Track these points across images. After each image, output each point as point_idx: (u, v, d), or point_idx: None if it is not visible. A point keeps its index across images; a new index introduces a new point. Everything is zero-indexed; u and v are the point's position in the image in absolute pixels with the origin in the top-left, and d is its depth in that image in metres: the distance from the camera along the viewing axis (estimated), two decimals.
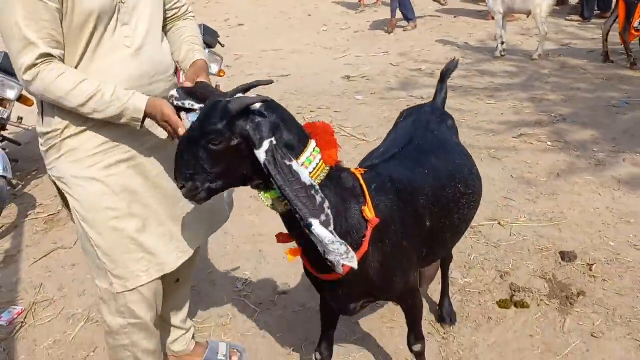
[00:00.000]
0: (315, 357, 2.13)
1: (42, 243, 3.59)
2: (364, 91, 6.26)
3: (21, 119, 4.32)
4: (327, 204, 1.54)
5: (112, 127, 1.76)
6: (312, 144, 1.61)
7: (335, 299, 1.89)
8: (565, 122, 5.00)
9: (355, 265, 1.55)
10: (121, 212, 1.81)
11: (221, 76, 3.91)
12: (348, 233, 1.67)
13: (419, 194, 1.90)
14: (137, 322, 1.92)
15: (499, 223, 3.46)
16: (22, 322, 2.84)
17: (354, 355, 2.51)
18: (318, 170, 1.59)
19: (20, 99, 4.04)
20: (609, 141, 4.52)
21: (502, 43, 7.22)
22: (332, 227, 1.53)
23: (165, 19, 1.98)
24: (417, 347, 2.11)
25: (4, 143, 4.54)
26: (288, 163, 1.51)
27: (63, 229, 3.72)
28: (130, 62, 1.76)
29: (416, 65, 7.29)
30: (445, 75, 2.60)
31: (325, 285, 1.83)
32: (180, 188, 1.62)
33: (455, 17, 9.95)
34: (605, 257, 3.06)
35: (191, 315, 2.54)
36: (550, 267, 3.00)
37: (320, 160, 1.60)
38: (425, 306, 2.63)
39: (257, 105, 1.52)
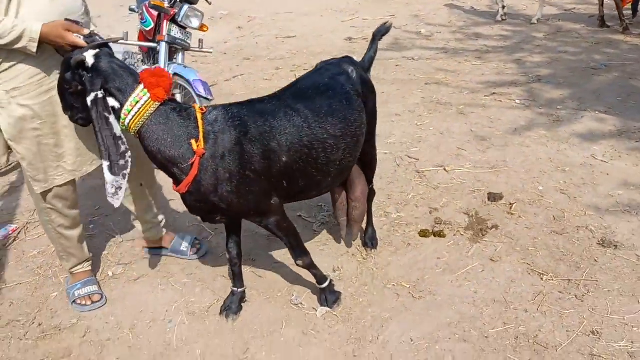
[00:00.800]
0: (227, 253, 2.55)
1: None
2: (361, 52, 6.53)
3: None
4: (129, 153, 2.09)
5: (39, 62, 2.21)
6: (140, 87, 2.05)
7: (191, 209, 2.29)
8: (540, 82, 5.21)
9: (116, 205, 2.11)
10: (44, 132, 2.33)
11: (204, 31, 4.27)
12: (174, 160, 2.09)
13: (271, 132, 2.17)
14: (52, 208, 2.54)
15: (444, 169, 3.78)
16: (15, 238, 3.36)
17: (285, 270, 2.92)
18: (146, 106, 2.05)
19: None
20: (575, 100, 4.73)
21: (503, 7, 7.35)
22: (127, 172, 2.09)
23: None
24: (299, 262, 2.47)
25: None
26: (107, 115, 2.03)
27: None
28: (48, 7, 2.19)
29: (417, 28, 7.50)
30: (375, 36, 2.83)
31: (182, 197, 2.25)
32: (69, 117, 2.21)
33: None
34: (529, 198, 3.36)
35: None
36: (476, 206, 3.33)
37: (148, 98, 2.05)
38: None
39: (90, 61, 2.01)
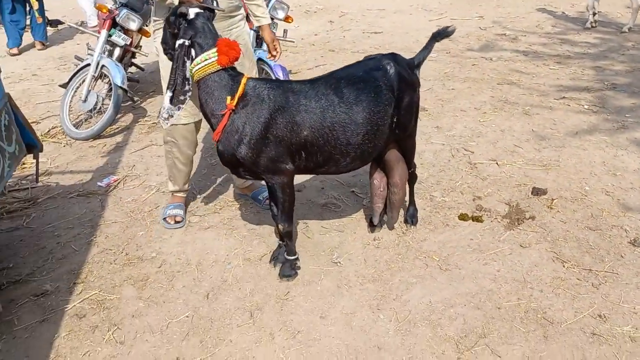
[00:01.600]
0: (271, 211, 2.97)
1: (142, 140, 4.78)
2: (442, 49, 6.77)
3: (140, 47, 5.52)
4: (189, 93, 2.60)
5: None
6: (214, 49, 2.55)
7: (222, 160, 2.73)
8: (615, 90, 5.22)
9: (165, 126, 2.76)
10: None
11: (289, 22, 4.74)
12: (213, 111, 2.59)
13: (298, 108, 2.56)
14: (175, 142, 3.31)
15: (496, 163, 4.01)
16: (115, 186, 4.01)
17: (331, 235, 3.31)
18: (210, 65, 2.55)
19: (140, 30, 5.20)
20: None
21: (594, 14, 7.25)
22: (182, 106, 2.61)
23: None
24: (281, 226, 2.82)
25: (131, 67, 5.83)
26: (185, 59, 2.57)
27: (158, 132, 4.87)
28: None
29: (503, 30, 7.58)
30: (435, 36, 3.02)
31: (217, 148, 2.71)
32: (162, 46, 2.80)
33: None
34: (572, 196, 3.53)
35: None
36: (519, 198, 3.54)
37: (214, 60, 2.54)
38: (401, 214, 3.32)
39: (191, 15, 2.55)
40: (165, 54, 2.79)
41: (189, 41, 2.55)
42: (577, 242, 3.08)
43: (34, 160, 3.35)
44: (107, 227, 3.47)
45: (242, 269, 3.01)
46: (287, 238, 2.88)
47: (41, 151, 3.28)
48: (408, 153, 3.07)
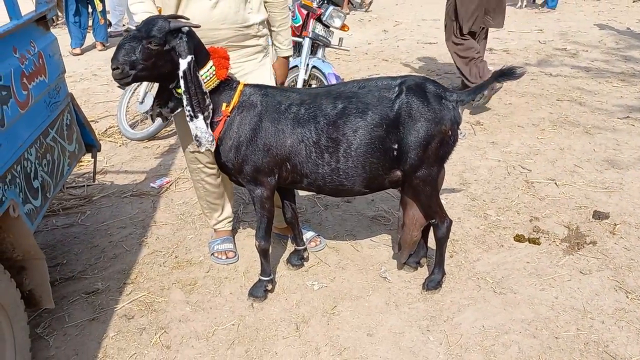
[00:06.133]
0: (283, 215, 2.97)
1: None
2: (498, 63, 6.60)
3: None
4: (211, 106, 2.44)
5: None
6: (210, 63, 2.45)
7: (219, 165, 2.68)
8: None
9: (212, 147, 2.47)
10: None
11: (345, 30, 4.71)
12: (209, 117, 2.46)
13: (287, 115, 2.49)
14: (202, 165, 3.00)
15: (555, 183, 3.85)
16: (167, 188, 4.05)
17: (379, 249, 3.24)
18: (211, 81, 2.46)
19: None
20: None
21: None
22: (209, 120, 2.44)
23: None
24: (256, 243, 2.74)
25: None
26: (198, 75, 2.37)
27: None
28: (208, 12, 2.62)
29: (563, 45, 7.34)
30: (497, 75, 2.51)
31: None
32: (114, 69, 2.29)
33: (634, 1, 9.46)
34: (636, 222, 3.34)
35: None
36: (579, 221, 3.39)
37: (214, 74, 2.45)
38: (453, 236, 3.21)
39: (185, 30, 2.35)
40: (124, 78, 2.32)
41: (192, 56, 2.35)
42: None
43: (92, 159, 3.42)
44: (158, 229, 3.51)
45: (289, 279, 2.98)
46: (262, 256, 2.80)
47: (99, 151, 3.34)
48: (419, 197, 2.62)
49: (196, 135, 2.45)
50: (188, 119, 2.42)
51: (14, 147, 2.31)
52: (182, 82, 2.35)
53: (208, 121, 2.44)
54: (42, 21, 2.79)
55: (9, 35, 2.41)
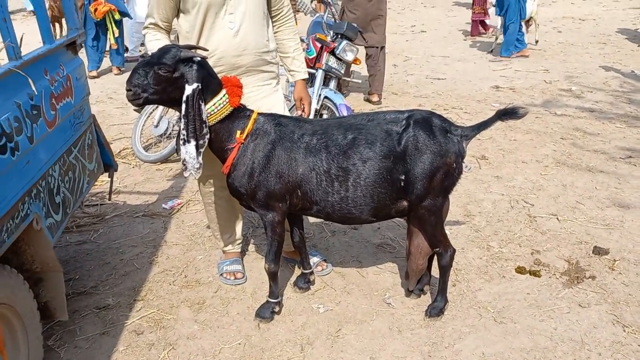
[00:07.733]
0: (292, 239, 3.07)
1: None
2: (504, 101, 6.76)
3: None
4: (207, 136, 2.51)
5: None
6: (223, 91, 2.57)
7: (230, 190, 2.76)
8: None
9: (197, 174, 2.53)
10: None
11: (356, 64, 4.89)
12: (224, 144, 2.61)
13: (300, 145, 2.59)
14: (212, 189, 3.12)
15: (557, 218, 3.94)
16: (179, 209, 4.17)
17: (384, 275, 3.33)
18: (224, 109, 2.57)
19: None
20: None
21: None
22: (202, 149, 2.50)
23: (270, 16, 2.98)
24: (266, 266, 2.83)
25: None
26: (200, 103, 2.48)
27: None
28: (230, 39, 2.79)
29: (568, 85, 7.50)
30: (500, 114, 2.65)
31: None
32: (127, 91, 2.50)
33: (639, 46, 9.67)
34: (635, 258, 3.42)
35: None
36: (579, 256, 3.46)
37: (227, 102, 2.57)
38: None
39: (196, 60, 2.48)
40: (136, 99, 2.51)
41: (199, 85, 2.47)
42: None
43: (107, 179, 3.55)
44: (168, 249, 3.61)
45: (295, 301, 3.06)
46: (271, 279, 2.88)
47: (116, 171, 3.47)
48: (425, 226, 2.72)
49: (184, 160, 2.53)
50: (181, 142, 2.52)
51: (40, 163, 2.44)
52: (183, 105, 2.48)
53: (201, 150, 2.51)
54: (72, 46, 2.95)
55: (42, 58, 2.56)
